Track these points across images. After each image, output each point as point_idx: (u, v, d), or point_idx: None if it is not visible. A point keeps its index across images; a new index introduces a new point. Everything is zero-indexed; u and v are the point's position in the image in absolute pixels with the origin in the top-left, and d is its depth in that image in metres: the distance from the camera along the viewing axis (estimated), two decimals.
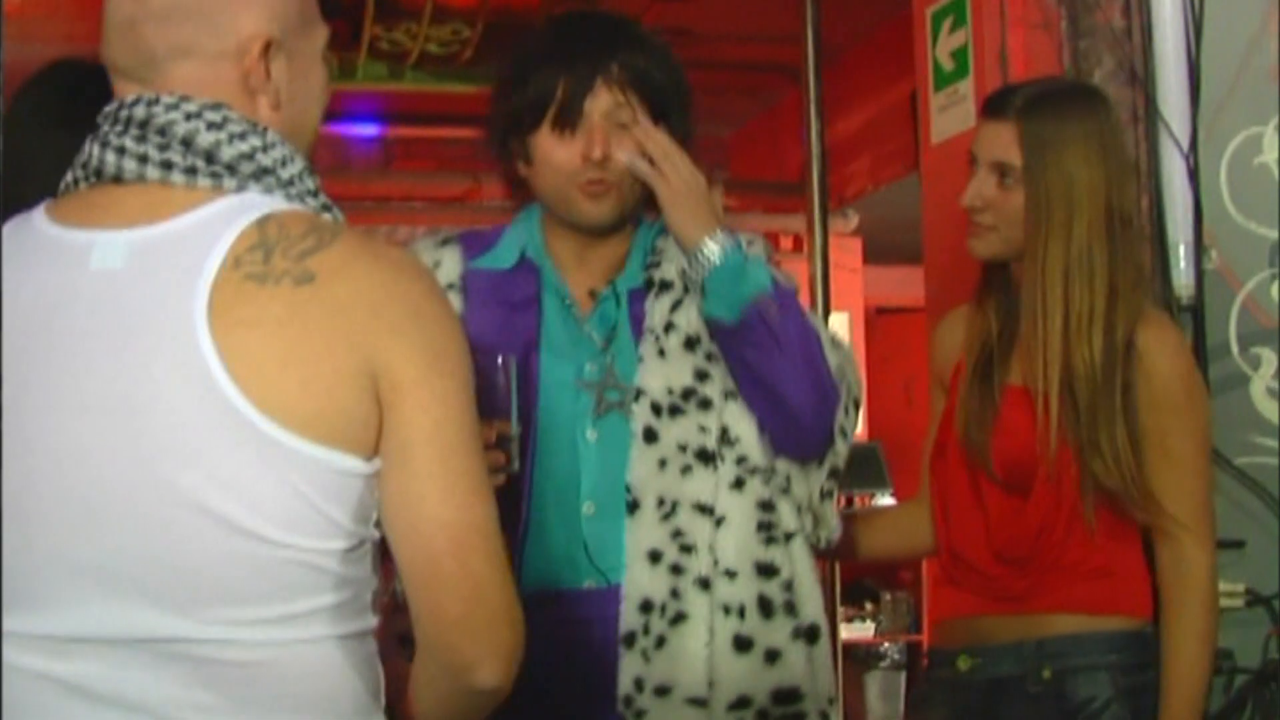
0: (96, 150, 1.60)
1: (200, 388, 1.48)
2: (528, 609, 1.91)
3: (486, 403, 2.05)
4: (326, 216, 1.62)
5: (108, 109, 1.62)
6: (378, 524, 1.58)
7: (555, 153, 2.25)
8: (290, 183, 1.60)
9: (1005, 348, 2.53)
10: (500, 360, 2.11)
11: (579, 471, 2.26)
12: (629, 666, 2.19)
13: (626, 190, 2.26)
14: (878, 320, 9.57)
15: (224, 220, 1.55)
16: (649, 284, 2.31)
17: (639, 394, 2.24)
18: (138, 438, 1.49)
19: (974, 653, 2.48)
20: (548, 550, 2.24)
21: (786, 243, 8.95)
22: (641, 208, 2.32)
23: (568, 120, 2.23)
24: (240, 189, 1.57)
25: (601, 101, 2.22)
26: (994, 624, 2.46)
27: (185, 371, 1.48)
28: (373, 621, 1.60)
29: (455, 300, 2.26)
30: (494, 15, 6.97)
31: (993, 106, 2.51)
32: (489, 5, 6.90)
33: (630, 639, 2.19)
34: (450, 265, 2.31)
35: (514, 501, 2.18)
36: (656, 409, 2.23)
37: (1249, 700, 2.75)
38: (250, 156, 1.58)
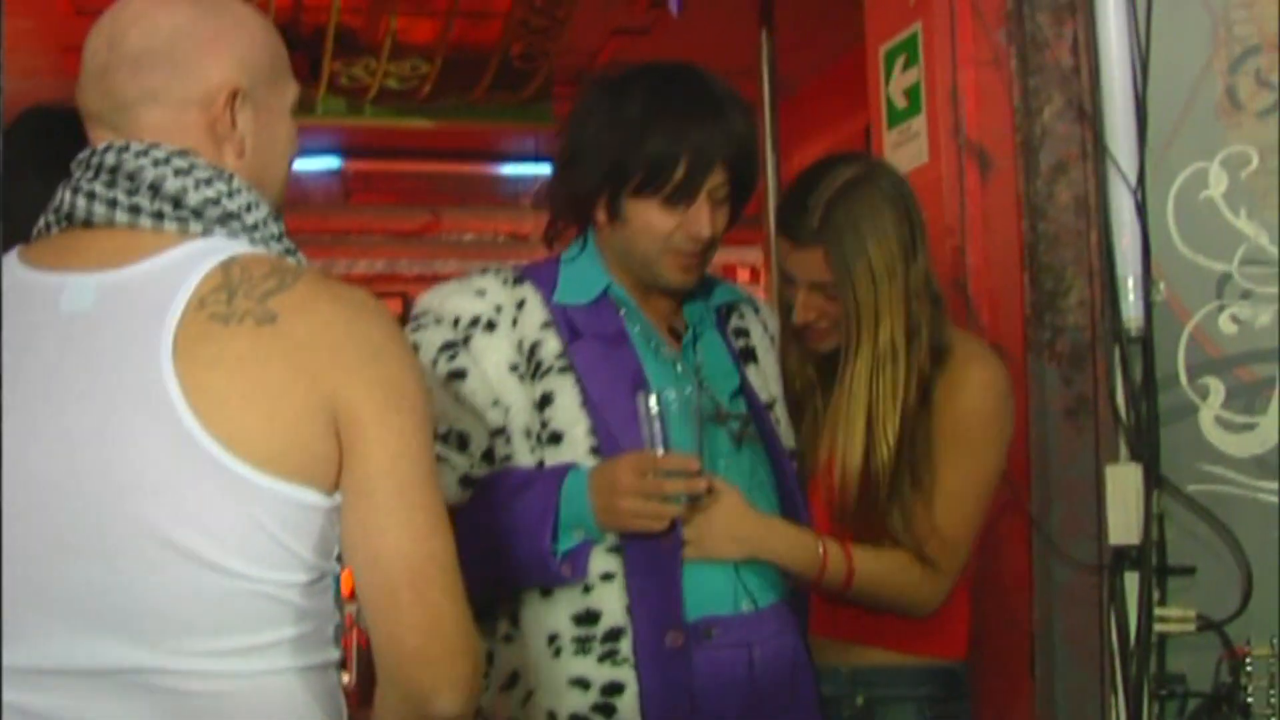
0: (68, 196, 1.63)
1: (165, 424, 1.51)
2: (695, 637, 2.19)
3: (647, 438, 2.15)
4: (290, 260, 1.65)
5: (81, 156, 1.66)
6: (339, 558, 1.60)
7: (659, 222, 2.27)
8: (255, 227, 1.64)
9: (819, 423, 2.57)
10: (651, 395, 2.17)
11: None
12: None
13: (711, 258, 2.35)
14: None
15: (190, 263, 1.58)
16: (745, 353, 2.44)
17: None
18: (104, 473, 1.52)
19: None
20: (702, 579, 2.28)
21: (744, 274, 8.99)
22: None
23: (683, 198, 2.26)
24: (206, 233, 1.61)
25: (714, 180, 2.26)
26: (820, 644, 2.49)
27: (151, 408, 1.52)
28: (335, 654, 1.62)
29: (554, 338, 2.28)
30: (452, 51, 6.99)
31: (792, 232, 2.50)
32: (447, 41, 6.93)
33: None
34: (536, 303, 2.31)
35: (666, 533, 2.23)
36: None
37: None
38: (216, 201, 1.62)
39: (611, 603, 2.21)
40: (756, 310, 2.54)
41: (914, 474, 2.44)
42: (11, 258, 1.65)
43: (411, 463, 1.58)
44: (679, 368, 2.34)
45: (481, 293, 2.31)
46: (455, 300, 2.29)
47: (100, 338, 1.56)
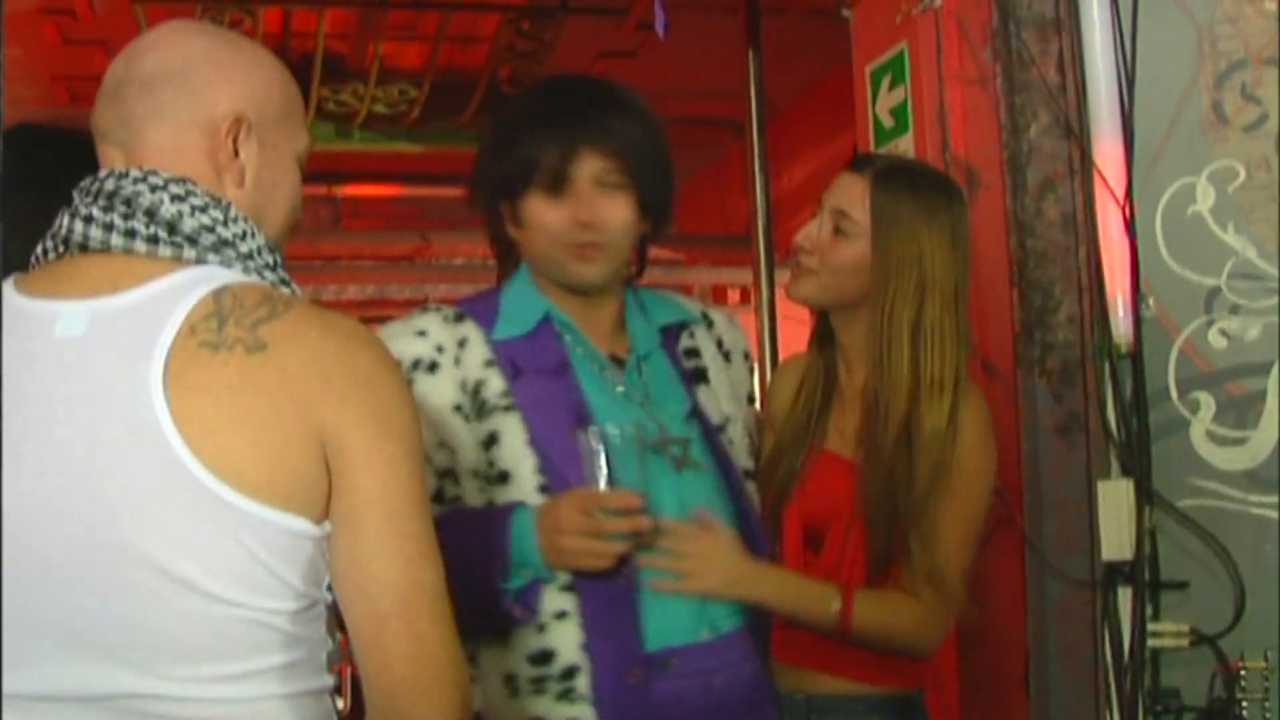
0: (67, 220, 1.65)
1: (155, 451, 1.52)
2: (653, 668, 2.17)
3: (589, 475, 2.14)
4: (284, 290, 1.66)
5: (83, 184, 1.67)
6: (329, 587, 1.61)
7: (545, 216, 2.28)
8: (249, 256, 1.65)
9: (823, 411, 2.58)
10: (590, 432, 2.17)
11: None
12: None
13: (616, 251, 2.31)
14: None
15: (181, 291, 1.59)
16: (695, 374, 2.41)
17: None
18: (95, 499, 1.53)
19: None
20: (662, 609, 2.27)
21: (734, 295, 9.00)
22: (623, 269, 2.38)
23: (557, 185, 2.26)
24: (200, 260, 1.62)
25: (586, 166, 2.26)
26: (777, 669, 2.48)
27: (141, 435, 1.52)
28: (328, 681, 1.63)
29: (498, 377, 2.27)
30: (440, 75, 7.01)
31: (855, 162, 2.56)
32: (435, 65, 6.95)
33: None
34: (478, 340, 2.31)
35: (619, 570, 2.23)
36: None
37: None
38: (211, 229, 1.63)
39: (566, 641, 2.20)
40: (711, 326, 2.49)
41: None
42: (8, 286, 1.66)
43: (402, 491, 1.58)
44: (624, 392, 2.33)
45: (422, 333, 2.30)
46: (396, 343, 2.24)
47: (92, 364, 1.56)
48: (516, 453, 2.24)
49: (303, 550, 1.57)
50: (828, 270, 2.50)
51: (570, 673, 2.20)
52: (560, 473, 2.22)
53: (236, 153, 1.69)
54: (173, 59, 1.68)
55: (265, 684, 1.56)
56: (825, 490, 2.50)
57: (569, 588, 2.22)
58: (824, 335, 2.61)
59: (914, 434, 2.41)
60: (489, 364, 2.28)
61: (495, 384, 2.27)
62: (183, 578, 1.52)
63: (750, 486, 2.42)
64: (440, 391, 2.26)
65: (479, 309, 2.36)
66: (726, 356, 2.48)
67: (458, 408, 2.26)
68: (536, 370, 2.30)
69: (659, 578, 2.25)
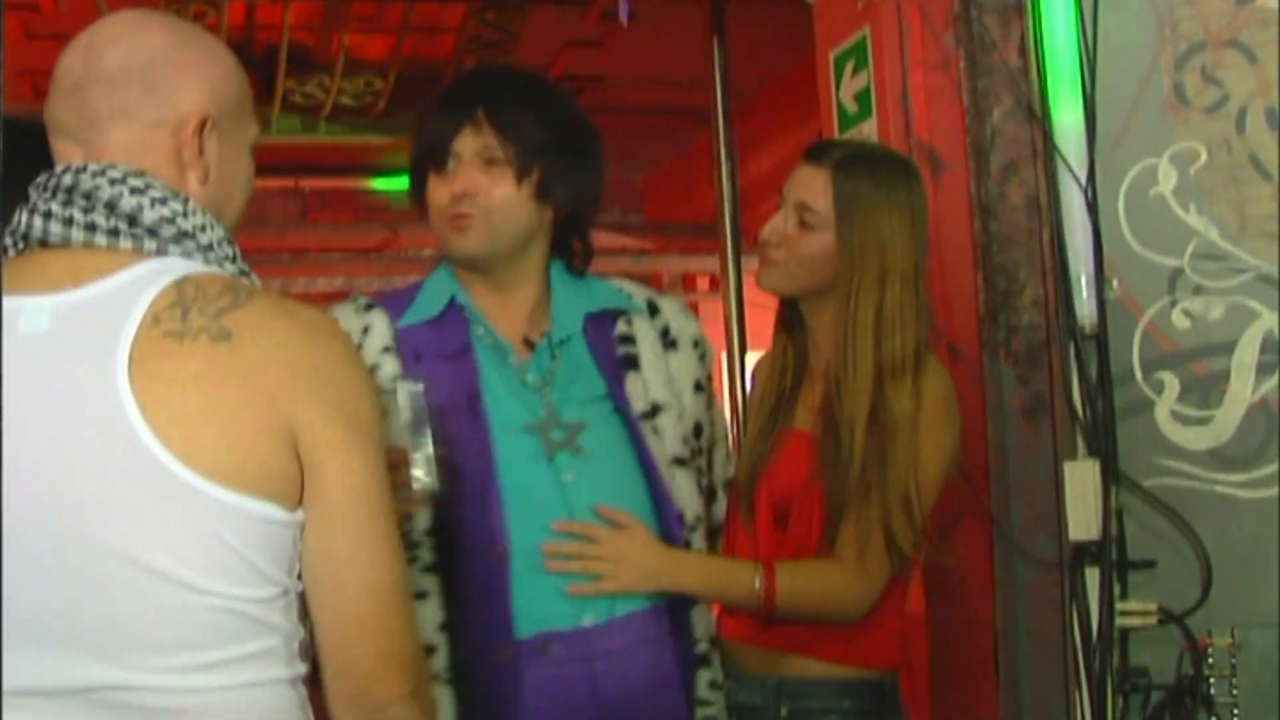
0: (25, 217, 1.64)
1: (123, 442, 1.52)
2: (530, 655, 2.16)
3: (412, 431, 2.08)
4: (243, 280, 1.66)
5: (39, 180, 1.67)
6: (300, 576, 1.61)
7: (433, 193, 2.34)
8: (210, 247, 1.65)
9: (793, 392, 2.58)
10: (415, 387, 2.11)
11: (555, 513, 2.29)
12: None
13: (495, 224, 2.32)
14: None
15: (144, 282, 1.59)
16: (625, 360, 2.39)
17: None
18: (65, 493, 1.53)
19: (730, 676, 2.50)
20: (538, 593, 2.27)
21: (703, 283, 9.01)
22: (537, 254, 2.39)
23: (440, 161, 2.32)
24: (161, 252, 1.62)
25: (468, 142, 2.30)
26: (747, 653, 2.49)
27: (108, 426, 1.52)
28: (301, 668, 1.63)
29: (392, 361, 2.30)
30: (406, 66, 7.00)
31: (813, 153, 2.57)
32: (400, 57, 6.94)
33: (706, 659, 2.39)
34: (381, 328, 2.34)
35: (488, 549, 2.24)
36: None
37: (1166, 716, 2.80)
38: (171, 220, 1.63)
39: (423, 621, 2.19)
40: (656, 314, 2.47)
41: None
42: None
43: (375, 490, 1.60)
44: (522, 378, 2.34)
45: (329, 315, 2.32)
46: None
47: (57, 358, 1.56)
48: (401, 432, 2.25)
49: (276, 537, 1.57)
50: (794, 261, 2.52)
51: (427, 652, 2.18)
52: (448, 453, 2.21)
53: (201, 150, 1.69)
54: (135, 57, 1.67)
55: (240, 672, 1.57)
56: (791, 468, 2.51)
57: (430, 568, 2.23)
58: (791, 319, 2.62)
59: (882, 418, 2.42)
60: (385, 350, 2.32)
61: (388, 368, 2.30)
62: (156, 568, 1.52)
63: (681, 474, 2.40)
64: None
65: (394, 299, 2.40)
66: (673, 344, 2.47)
67: None
68: (437, 355, 2.33)
69: (576, 581, 2.27)
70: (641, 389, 2.39)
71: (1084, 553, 2.84)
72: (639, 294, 2.48)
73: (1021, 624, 2.91)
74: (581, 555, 2.27)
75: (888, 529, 2.40)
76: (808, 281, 2.52)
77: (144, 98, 1.67)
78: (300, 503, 1.58)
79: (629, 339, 2.42)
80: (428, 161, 2.34)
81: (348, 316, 2.35)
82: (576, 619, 2.28)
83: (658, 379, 2.41)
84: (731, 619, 2.54)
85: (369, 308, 2.37)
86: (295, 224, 8.52)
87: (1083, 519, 2.83)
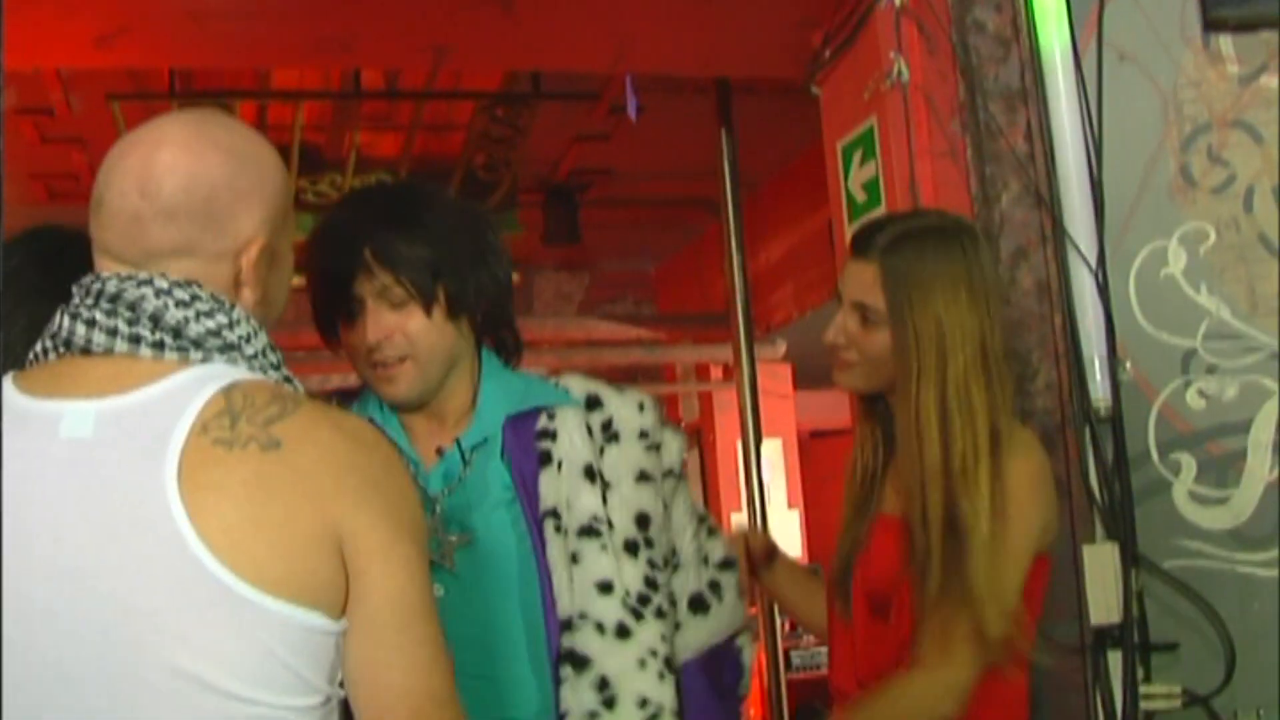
0: (67, 322, 1.64)
1: (171, 549, 1.51)
2: None
3: None
4: (288, 387, 1.66)
5: (82, 281, 1.66)
6: (341, 683, 1.61)
7: (349, 340, 2.28)
8: (254, 357, 1.65)
9: (883, 477, 2.53)
10: None
11: None
12: None
13: (421, 363, 2.27)
14: (812, 444, 9.61)
15: (191, 389, 1.59)
16: (543, 457, 2.30)
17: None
18: (108, 601, 1.52)
19: None
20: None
21: (716, 372, 9.02)
22: (464, 366, 2.33)
23: (347, 310, 2.26)
24: (206, 360, 1.62)
25: (365, 288, 2.23)
26: None
27: (156, 533, 1.51)
28: None
29: None
30: (416, 164, 7.06)
31: (858, 245, 2.50)
32: (411, 154, 6.99)
33: None
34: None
35: None
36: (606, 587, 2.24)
37: None
38: (217, 333, 1.63)
39: None
40: (596, 407, 2.37)
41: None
42: (7, 384, 1.65)
43: (417, 595, 1.60)
44: (428, 488, 2.28)
45: (371, 424, 2.32)
46: None
47: (101, 464, 1.56)
48: None
49: (320, 646, 1.57)
50: (866, 359, 2.47)
51: None
52: None
53: (260, 275, 1.70)
54: (196, 192, 1.65)
55: None
56: (885, 556, 2.44)
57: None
58: (871, 406, 2.57)
59: (956, 514, 2.35)
60: None
61: None
62: (200, 677, 1.51)
63: (627, 560, 2.29)
64: None
65: (344, 396, 2.38)
66: (614, 437, 2.36)
67: None
68: None
69: None
70: (553, 486, 2.30)
71: (1106, 636, 2.82)
72: (579, 388, 2.38)
73: (1045, 710, 2.88)
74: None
75: (975, 620, 2.33)
76: (886, 376, 2.47)
77: (206, 233, 1.66)
78: (344, 611, 1.58)
79: (547, 434, 2.34)
80: (331, 311, 2.28)
81: None
82: None
83: (573, 474, 2.31)
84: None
85: (329, 399, 2.32)
86: (309, 322, 8.56)
87: (1103, 602, 2.81)
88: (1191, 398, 2.90)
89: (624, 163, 7.31)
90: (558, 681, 2.21)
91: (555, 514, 2.27)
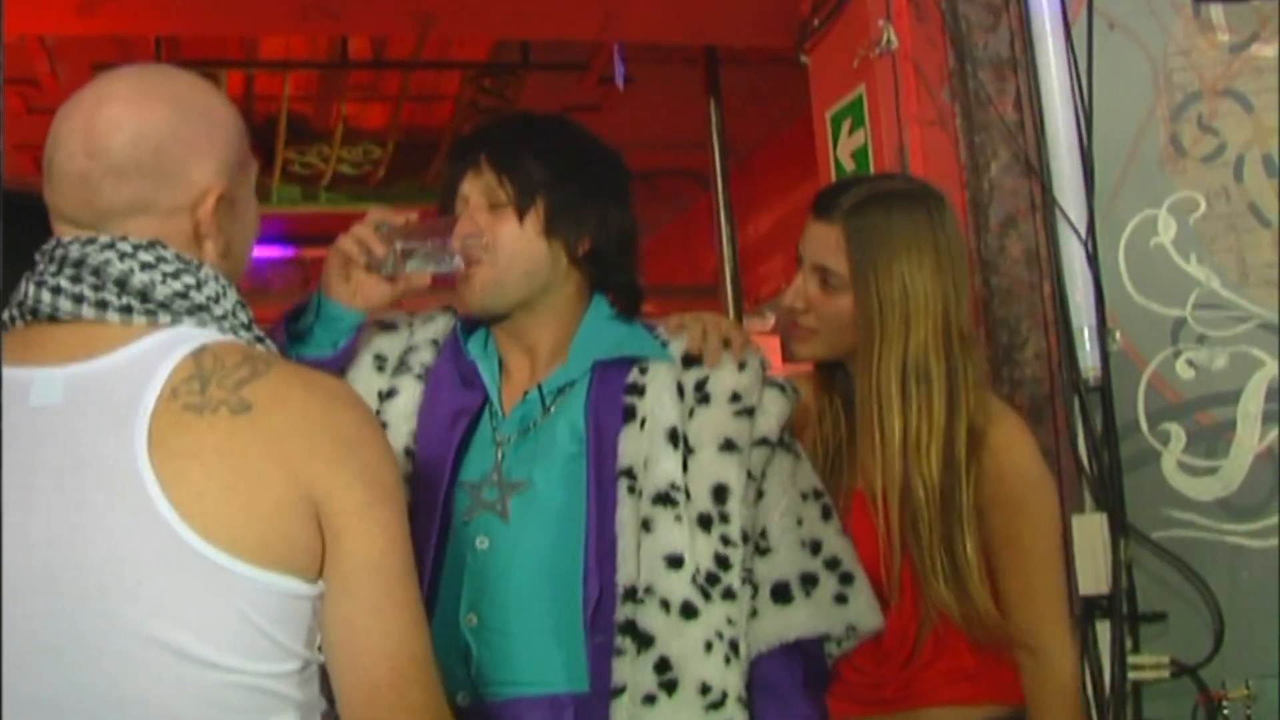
0: (32, 289, 1.62)
1: (143, 518, 1.50)
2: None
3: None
4: (260, 347, 1.65)
5: (45, 247, 1.64)
6: (320, 648, 1.60)
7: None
8: (224, 317, 1.63)
9: (849, 448, 2.47)
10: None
11: (463, 578, 2.17)
12: None
13: (500, 269, 2.22)
14: None
15: (160, 353, 1.57)
16: (626, 412, 2.20)
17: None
18: (82, 570, 1.50)
19: None
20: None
21: None
22: (557, 299, 2.27)
23: (449, 208, 2.27)
24: (175, 323, 1.60)
25: (472, 186, 2.24)
26: None
27: (127, 503, 1.50)
28: None
29: (429, 352, 2.29)
30: (404, 135, 7.04)
31: (821, 206, 2.46)
32: (399, 125, 6.97)
33: None
34: (443, 328, 2.33)
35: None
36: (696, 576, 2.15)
37: None
38: (184, 295, 1.61)
39: None
40: (692, 364, 2.25)
41: (975, 539, 2.34)
42: None
43: (396, 558, 1.58)
44: (499, 428, 2.24)
45: (413, 312, 2.39)
46: (389, 314, 2.36)
47: (71, 432, 1.54)
48: (402, 412, 2.23)
49: (297, 611, 1.55)
50: (827, 326, 2.43)
51: None
52: (426, 450, 2.19)
53: (219, 225, 1.68)
54: (144, 145, 1.63)
55: None
56: (865, 536, 2.37)
57: None
58: (830, 377, 2.52)
59: (911, 494, 2.34)
60: (433, 342, 2.30)
61: (424, 356, 2.28)
62: (176, 646, 1.50)
63: (700, 534, 2.16)
64: (376, 345, 2.31)
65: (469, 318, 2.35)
66: (704, 399, 2.23)
67: (378, 357, 2.28)
68: (459, 382, 2.27)
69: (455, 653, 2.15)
70: (631, 444, 2.19)
71: (1094, 606, 2.82)
72: (680, 344, 2.27)
73: None
74: None
75: (1050, 609, 2.37)
76: (848, 344, 2.43)
77: (159, 188, 1.64)
78: (321, 574, 1.56)
79: (636, 388, 2.22)
80: (445, 210, 2.30)
81: (439, 313, 2.37)
82: (452, 696, 2.10)
83: (660, 434, 2.19)
84: (838, 700, 2.37)
85: (449, 309, 2.36)
86: (296, 293, 8.55)
87: (1092, 573, 2.81)
88: (1181, 368, 2.89)
89: (613, 134, 7.25)
90: (600, 650, 2.11)
91: (631, 474, 2.16)
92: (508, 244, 2.22)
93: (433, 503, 2.17)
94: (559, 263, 2.25)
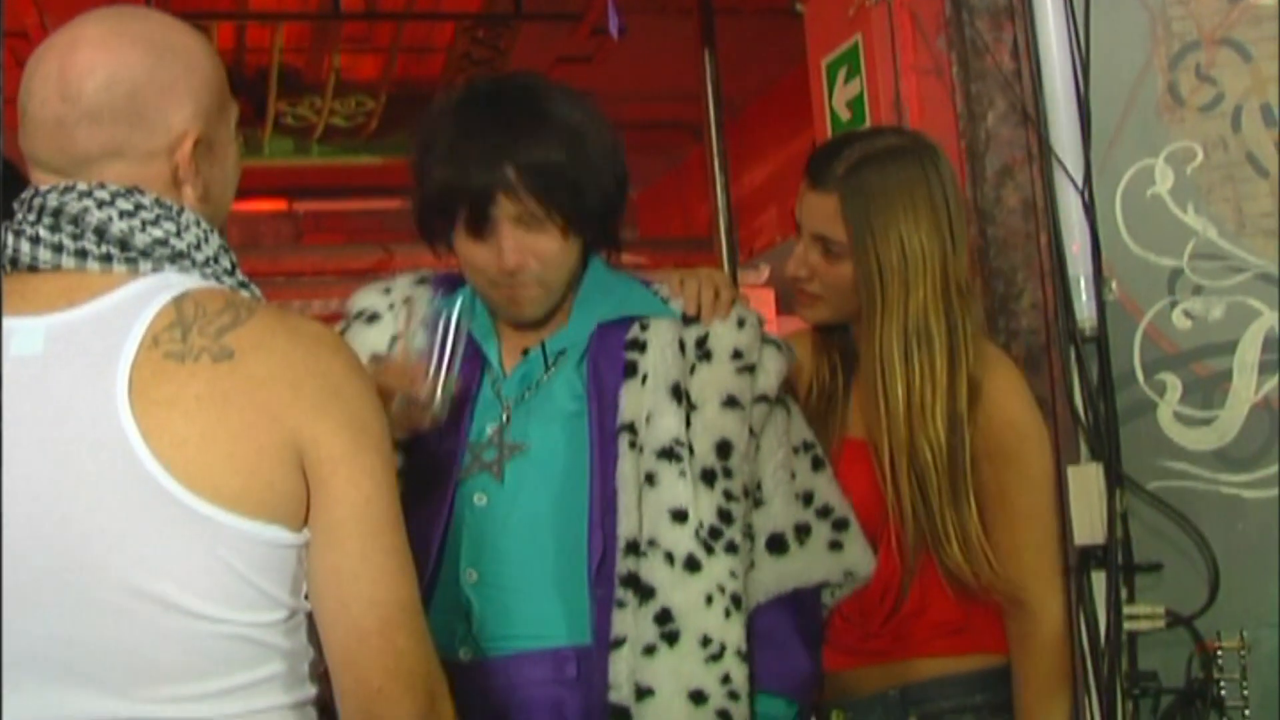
0: (11, 239, 1.61)
1: (124, 468, 1.49)
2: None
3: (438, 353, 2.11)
4: (244, 294, 1.63)
5: (22, 196, 1.63)
6: (307, 596, 1.59)
7: (474, 256, 2.21)
8: (206, 263, 1.62)
9: (845, 397, 2.53)
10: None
11: (461, 535, 2.19)
12: None
13: (551, 288, 2.22)
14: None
15: (141, 301, 1.56)
16: (627, 369, 2.23)
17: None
18: (64, 521, 1.50)
19: (844, 706, 2.46)
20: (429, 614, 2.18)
21: None
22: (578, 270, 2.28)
23: (477, 229, 2.18)
24: (156, 270, 1.59)
25: (504, 209, 2.15)
26: (859, 676, 2.45)
27: (109, 453, 1.50)
28: (312, 691, 1.62)
29: (422, 334, 2.22)
30: (396, 87, 7.02)
31: (815, 174, 2.48)
32: (391, 77, 6.94)
33: None
34: (424, 303, 2.25)
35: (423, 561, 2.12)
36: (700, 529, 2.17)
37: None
38: (164, 242, 1.60)
39: None
40: (692, 321, 2.28)
41: (960, 497, 2.39)
42: None
43: (383, 505, 1.58)
44: (501, 389, 2.26)
45: (387, 290, 2.34)
46: (362, 295, 2.34)
47: (52, 382, 1.54)
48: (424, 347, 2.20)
49: (282, 560, 1.55)
50: (832, 291, 2.49)
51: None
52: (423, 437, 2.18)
53: (197, 167, 1.66)
54: (116, 90, 1.62)
55: (251, 699, 1.55)
56: (856, 482, 2.42)
57: None
58: (828, 335, 2.58)
59: (918, 456, 2.38)
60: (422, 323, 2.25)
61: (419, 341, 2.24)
62: (160, 596, 1.50)
63: (703, 489, 2.18)
64: (368, 340, 2.26)
65: (445, 282, 2.33)
66: (706, 356, 2.26)
67: (376, 357, 2.20)
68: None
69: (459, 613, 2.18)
70: (632, 401, 2.21)
71: (1089, 557, 2.81)
72: (677, 302, 2.30)
73: None
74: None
75: (1038, 559, 2.43)
76: (854, 307, 2.48)
77: (135, 131, 1.63)
78: (306, 522, 1.56)
79: (637, 344, 2.24)
80: (452, 221, 2.20)
81: (403, 284, 2.34)
82: (453, 652, 2.14)
83: (661, 390, 2.21)
84: (830, 649, 2.43)
85: (423, 281, 2.34)
86: (289, 247, 8.52)
87: (1087, 523, 2.80)
88: (1177, 318, 2.88)
89: (606, 85, 7.21)
90: (603, 603, 2.13)
91: (632, 429, 2.18)
92: (555, 258, 2.20)
93: (447, 465, 2.19)
94: (582, 246, 2.26)
